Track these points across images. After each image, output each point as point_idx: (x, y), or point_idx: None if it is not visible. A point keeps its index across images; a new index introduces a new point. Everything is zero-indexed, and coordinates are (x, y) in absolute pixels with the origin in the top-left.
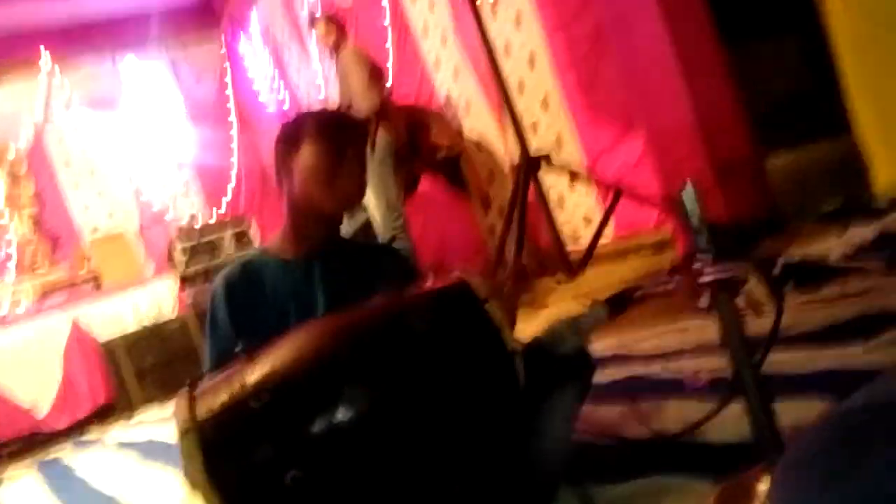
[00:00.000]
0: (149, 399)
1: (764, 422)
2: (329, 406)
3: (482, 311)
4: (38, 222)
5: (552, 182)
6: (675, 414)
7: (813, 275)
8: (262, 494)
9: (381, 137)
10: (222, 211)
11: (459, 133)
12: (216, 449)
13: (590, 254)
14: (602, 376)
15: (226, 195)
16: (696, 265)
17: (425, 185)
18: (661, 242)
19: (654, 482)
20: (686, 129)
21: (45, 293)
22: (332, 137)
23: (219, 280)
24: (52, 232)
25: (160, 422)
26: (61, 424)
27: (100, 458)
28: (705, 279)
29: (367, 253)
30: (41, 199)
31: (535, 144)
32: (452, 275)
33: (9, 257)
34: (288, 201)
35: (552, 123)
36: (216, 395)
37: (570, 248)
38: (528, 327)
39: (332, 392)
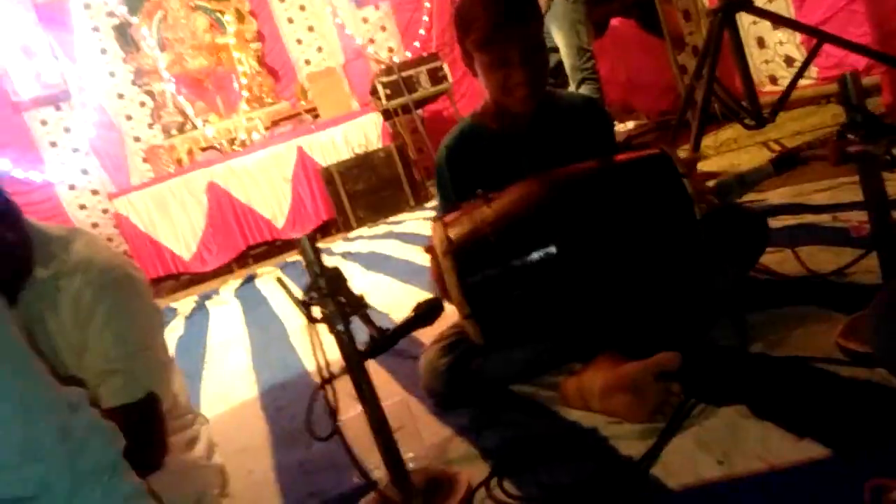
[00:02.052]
0: (360, 219)
1: (891, 271)
2: (545, 243)
3: (679, 182)
4: (261, 57)
5: (754, 19)
6: (832, 259)
7: None
8: (495, 301)
9: None
10: (417, 46)
11: None
12: (464, 266)
13: (781, 103)
14: (773, 222)
15: (420, 32)
16: (849, 137)
17: (616, 23)
18: (867, 88)
19: (798, 311)
20: None
21: (273, 123)
22: (498, 47)
23: (442, 147)
24: (272, 66)
25: (374, 238)
26: (295, 234)
27: (330, 263)
28: (851, 149)
29: (567, 111)
30: (262, 35)
31: None
32: (658, 147)
33: (241, 90)
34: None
35: None
36: (462, 226)
37: (768, 88)
38: (711, 170)
39: (548, 232)
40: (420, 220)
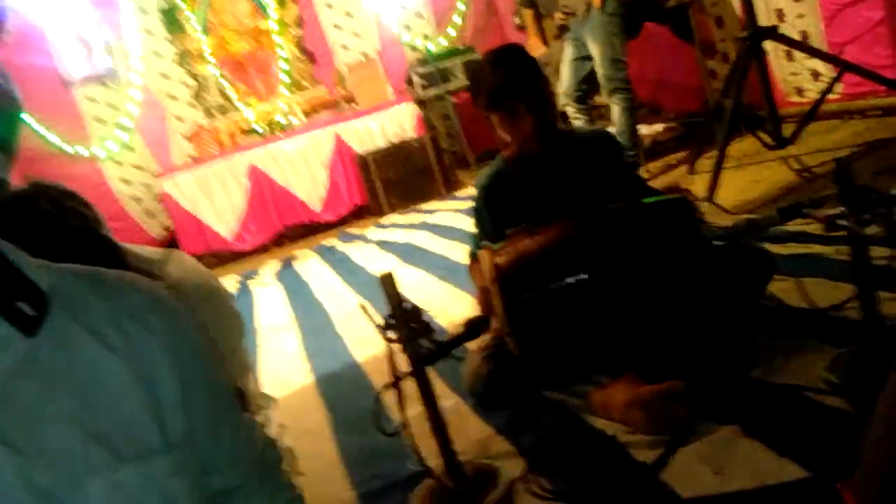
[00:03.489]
0: (392, 205)
1: (870, 314)
2: (579, 272)
3: (696, 225)
4: (300, 42)
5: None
6: (830, 292)
7: None
8: (534, 322)
9: None
10: (452, 35)
11: None
12: (509, 291)
13: (803, 125)
14: (783, 249)
15: (454, 23)
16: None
17: (649, 26)
18: (890, 107)
19: (796, 341)
20: None
21: (311, 107)
22: (505, 104)
23: (479, 188)
24: (310, 50)
25: (408, 228)
26: (329, 218)
27: (365, 251)
28: (839, 221)
29: (584, 146)
30: (302, 20)
31: None
32: (681, 191)
33: (281, 74)
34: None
35: None
36: (508, 255)
37: (794, 99)
38: (732, 185)
39: (582, 264)
40: (451, 212)
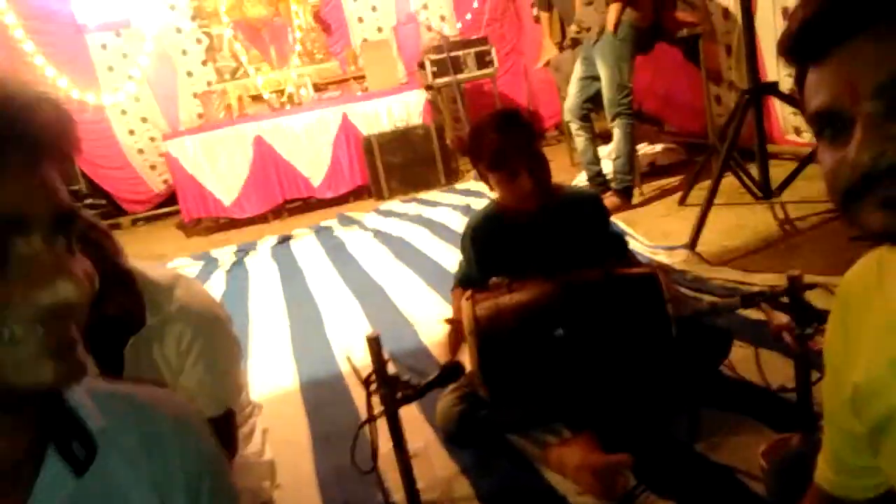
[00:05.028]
0: (393, 190)
1: (804, 403)
2: (551, 327)
3: (662, 305)
4: (317, 13)
5: (790, 71)
6: (784, 368)
7: None
8: (505, 375)
9: (627, 15)
10: (468, 20)
11: (705, 10)
12: (484, 345)
13: (789, 181)
14: (748, 313)
15: (470, 11)
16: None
17: (662, 44)
18: None
19: (739, 419)
20: None
21: (322, 80)
22: (507, 165)
23: (467, 228)
24: (326, 20)
25: (405, 220)
26: (328, 195)
27: (362, 239)
28: (785, 334)
29: (572, 205)
30: None
31: (782, 24)
32: (653, 269)
33: (294, 43)
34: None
35: None
36: (488, 309)
37: (791, 138)
38: (718, 226)
39: (553, 320)
40: (449, 208)
